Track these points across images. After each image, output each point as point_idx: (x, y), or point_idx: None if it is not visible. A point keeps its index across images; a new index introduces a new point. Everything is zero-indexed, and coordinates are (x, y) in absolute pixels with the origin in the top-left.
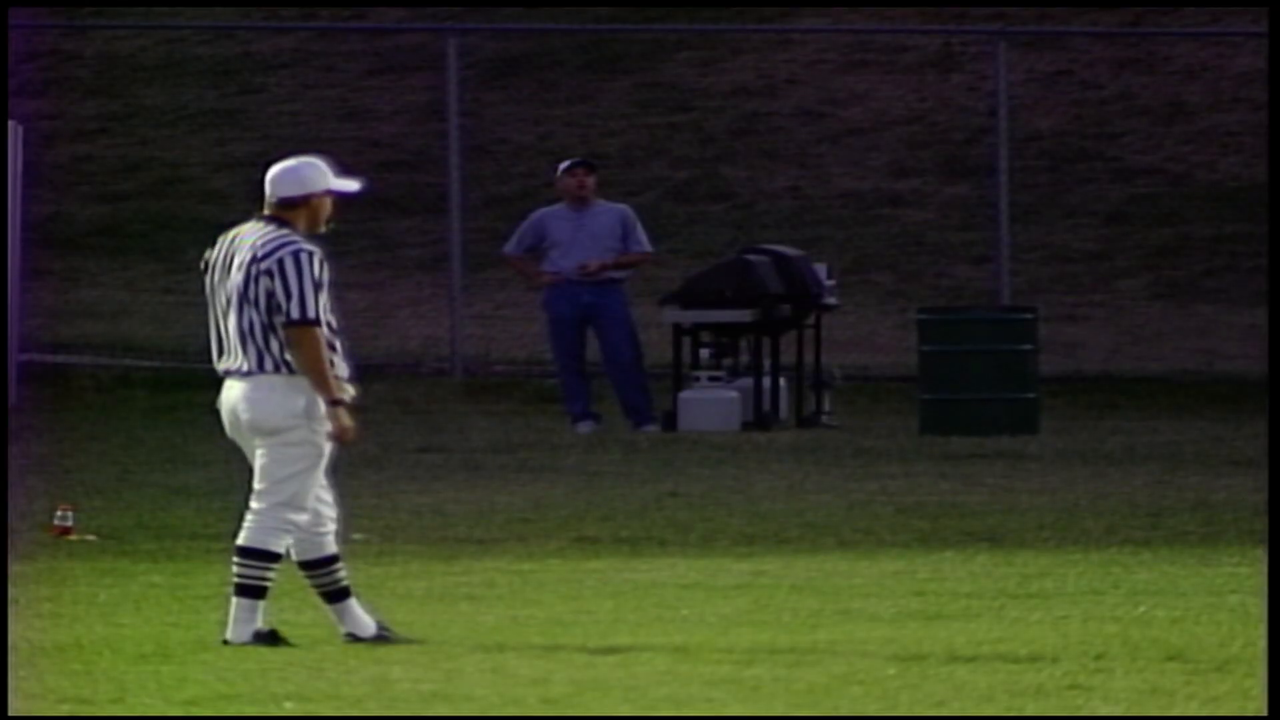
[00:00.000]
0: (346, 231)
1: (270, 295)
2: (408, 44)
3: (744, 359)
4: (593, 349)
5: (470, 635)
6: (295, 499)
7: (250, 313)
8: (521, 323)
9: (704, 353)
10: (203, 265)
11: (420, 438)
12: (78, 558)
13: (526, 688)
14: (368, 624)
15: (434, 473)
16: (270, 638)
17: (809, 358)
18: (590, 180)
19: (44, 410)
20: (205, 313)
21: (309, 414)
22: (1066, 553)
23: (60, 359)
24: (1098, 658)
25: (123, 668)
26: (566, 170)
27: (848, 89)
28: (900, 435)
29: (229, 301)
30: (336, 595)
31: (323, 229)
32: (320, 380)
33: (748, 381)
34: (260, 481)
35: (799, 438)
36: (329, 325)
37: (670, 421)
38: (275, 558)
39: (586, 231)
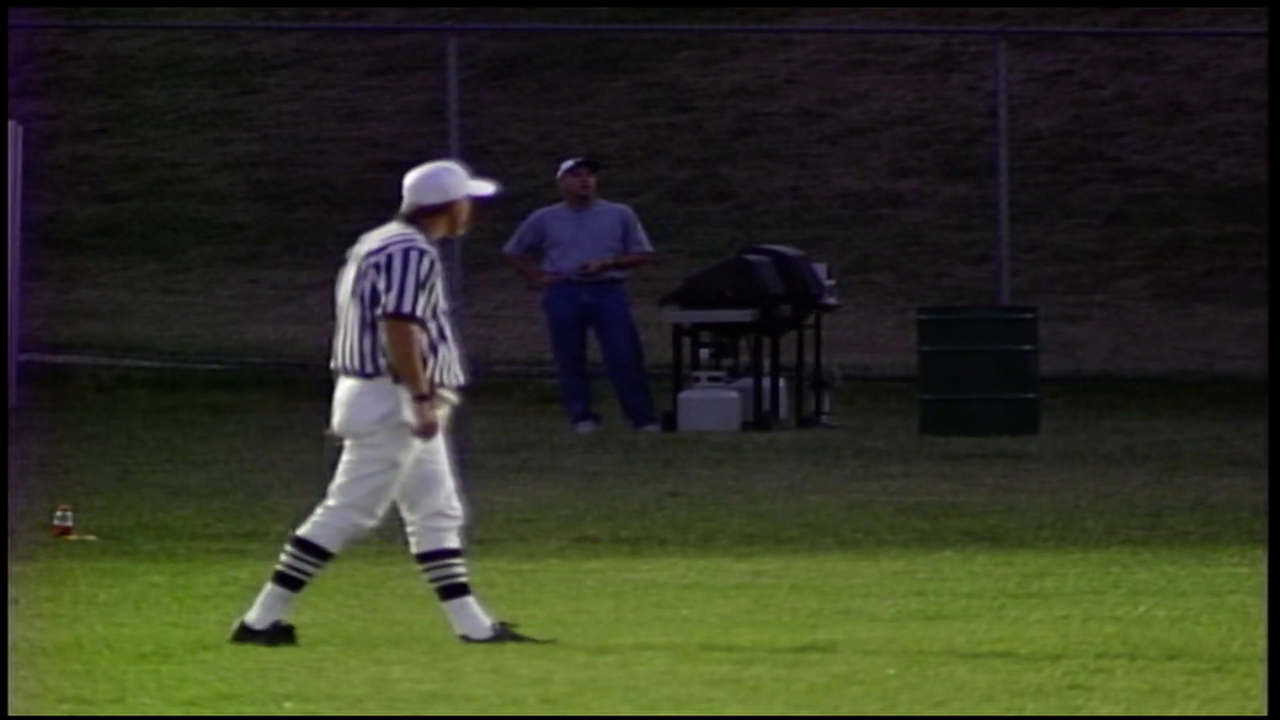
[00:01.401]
0: (346, 231)
1: (374, 289)
2: (408, 44)
3: (744, 359)
4: (593, 349)
5: None
6: (364, 502)
7: (353, 309)
8: (521, 323)
9: (704, 353)
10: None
11: None
12: (78, 558)
13: (526, 688)
14: (483, 625)
15: None
16: (284, 634)
17: (809, 358)
18: (592, 180)
19: (44, 410)
20: (205, 313)
21: (388, 421)
22: (1066, 553)
23: (60, 359)
24: (1098, 658)
25: (123, 668)
26: (569, 170)
27: (848, 89)
28: (900, 435)
29: (342, 297)
30: (450, 591)
31: (460, 232)
32: (410, 374)
33: (748, 381)
34: (339, 479)
35: (799, 438)
36: (440, 328)
37: (670, 421)
38: (326, 556)
39: (587, 231)
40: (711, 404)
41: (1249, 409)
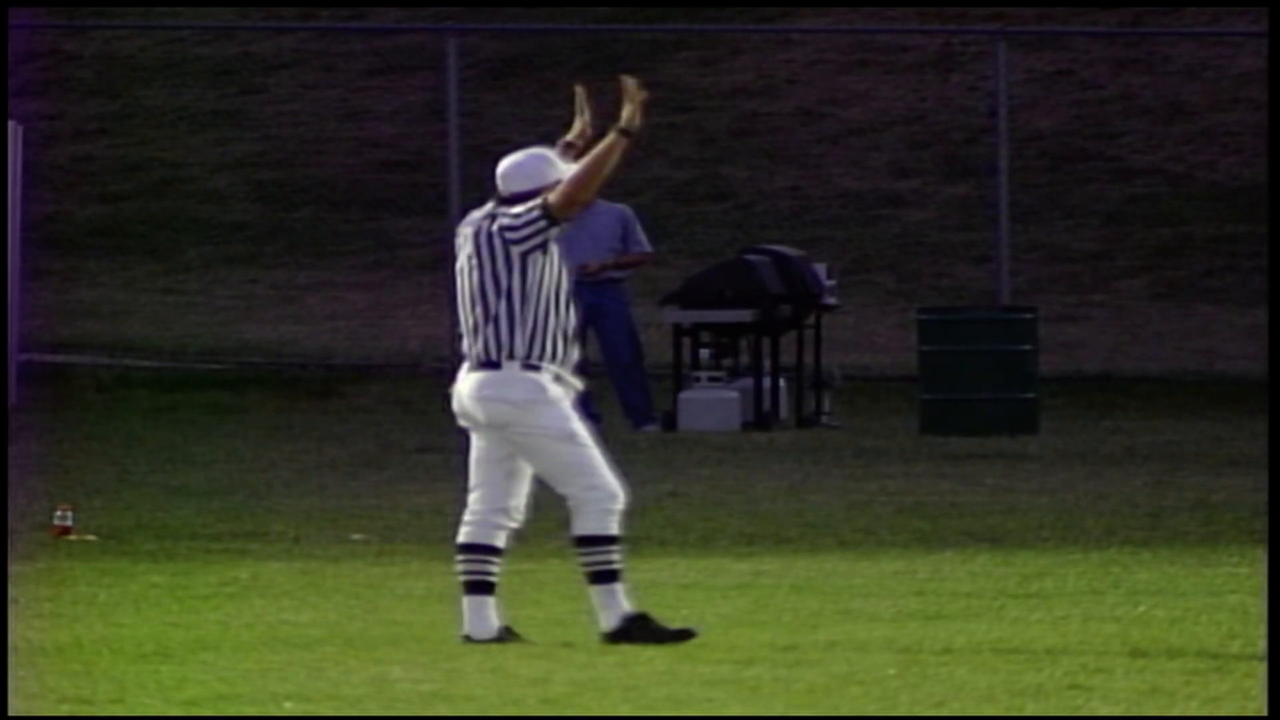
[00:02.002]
0: (346, 231)
1: (504, 233)
2: (408, 44)
3: (744, 359)
4: (593, 349)
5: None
6: (589, 479)
7: (472, 280)
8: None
9: (704, 353)
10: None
11: (420, 438)
12: (78, 558)
13: (526, 688)
14: (490, 627)
15: (434, 473)
16: (640, 623)
17: (809, 358)
18: None
19: (44, 410)
20: (205, 313)
21: (536, 402)
22: (1066, 553)
23: (60, 359)
24: (1098, 658)
25: (122, 668)
26: None
27: (848, 89)
28: (900, 435)
29: (461, 285)
30: (478, 587)
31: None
32: (595, 156)
33: (748, 381)
34: (556, 480)
35: (799, 438)
36: (569, 311)
37: (670, 421)
38: (613, 539)
39: (587, 232)
40: (711, 404)
41: (1249, 409)
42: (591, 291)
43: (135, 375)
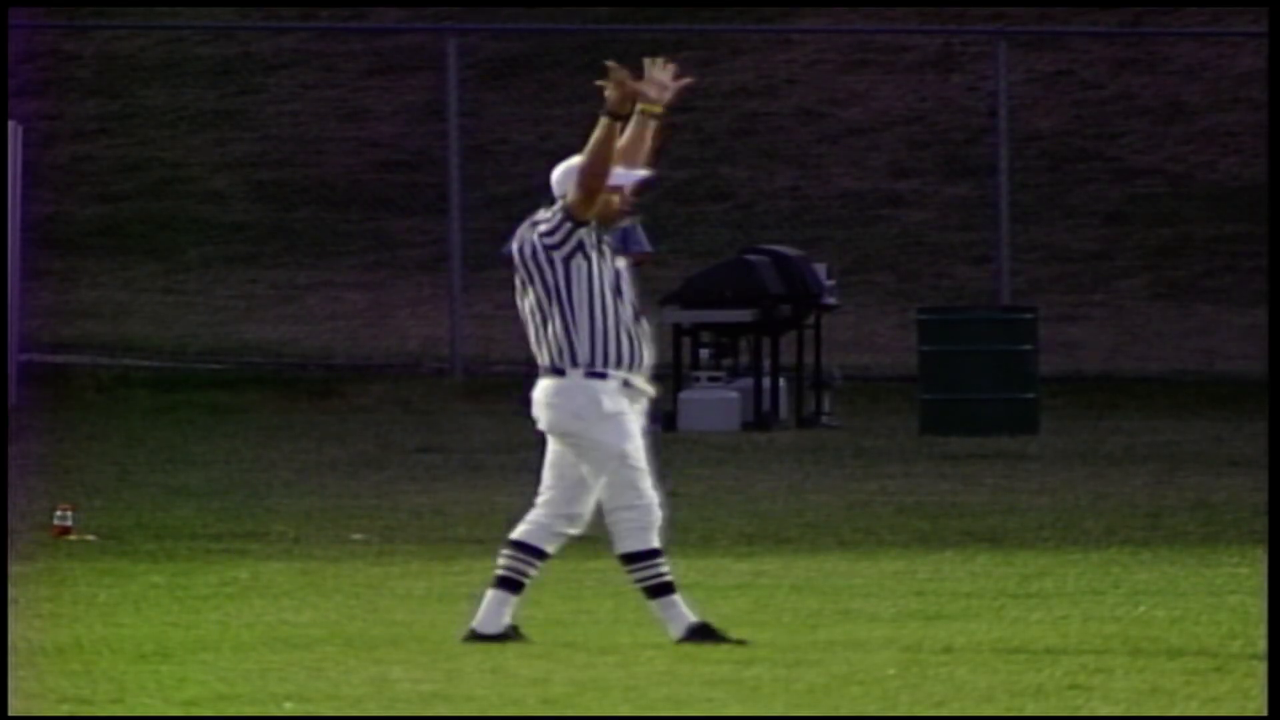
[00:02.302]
0: (346, 231)
1: (541, 236)
2: (408, 44)
3: (744, 359)
4: None
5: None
6: (634, 493)
7: (530, 294)
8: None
9: (704, 353)
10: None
11: (420, 438)
12: (78, 558)
13: (526, 688)
14: (500, 624)
15: (434, 473)
16: (704, 631)
17: (809, 358)
18: None
19: (44, 410)
20: (205, 313)
21: (583, 415)
22: (1066, 553)
23: (60, 359)
24: (1098, 658)
25: (122, 668)
26: None
27: (848, 89)
28: (900, 435)
29: (520, 292)
30: (507, 583)
31: (625, 222)
32: (596, 140)
33: (748, 381)
34: (600, 491)
35: (799, 438)
36: (635, 314)
37: (670, 421)
38: (656, 553)
39: None
40: (711, 404)
41: (1249, 409)
42: None
43: (135, 375)
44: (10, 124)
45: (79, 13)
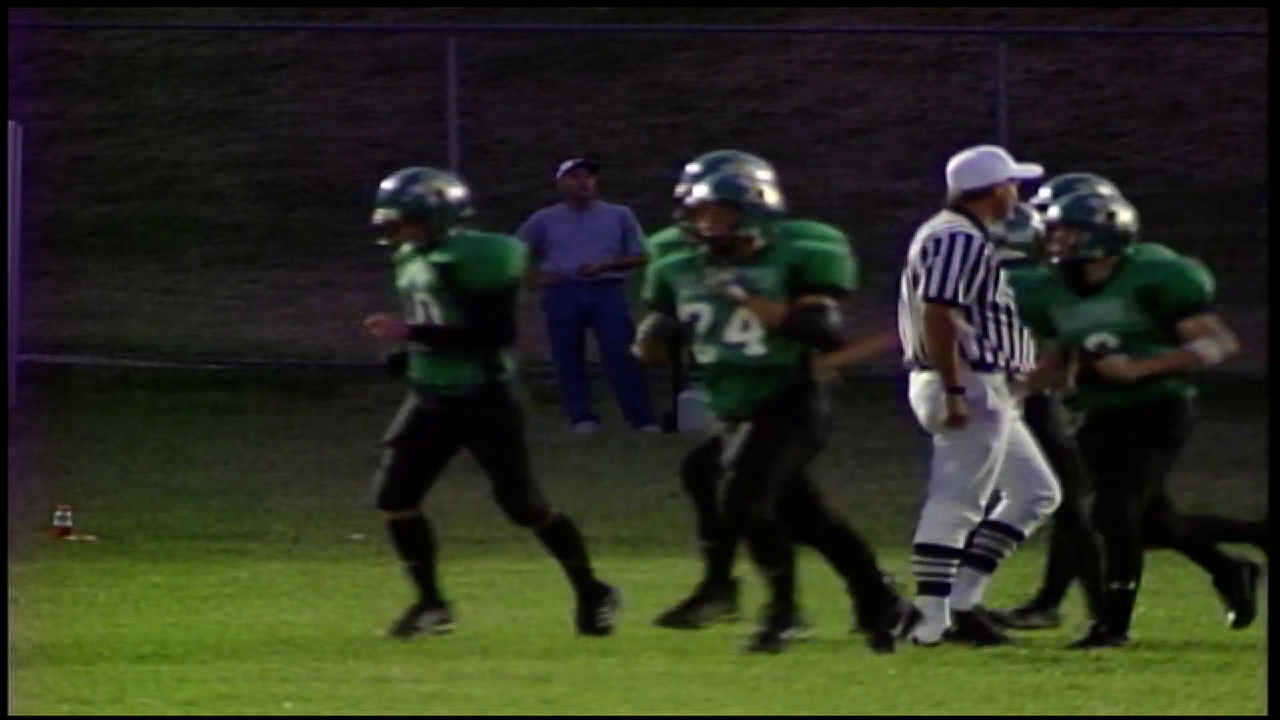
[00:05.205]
0: (346, 231)
1: (924, 274)
2: (408, 44)
3: None
4: (592, 349)
5: (470, 635)
6: (966, 494)
7: (913, 300)
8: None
9: None
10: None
11: None
12: (78, 558)
13: (526, 688)
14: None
15: None
16: (968, 621)
17: None
18: (591, 181)
19: (44, 410)
20: (205, 313)
21: (975, 409)
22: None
23: (60, 359)
24: (1098, 658)
25: (122, 668)
26: (568, 171)
27: (848, 89)
28: (900, 435)
29: (905, 291)
30: (982, 563)
31: (1009, 217)
32: (943, 364)
33: None
34: (937, 474)
35: None
36: (1009, 312)
37: (670, 422)
38: (953, 553)
39: (586, 232)
40: None
41: (1249, 409)
42: (591, 291)
43: (135, 375)
44: (10, 124)
45: (79, 13)
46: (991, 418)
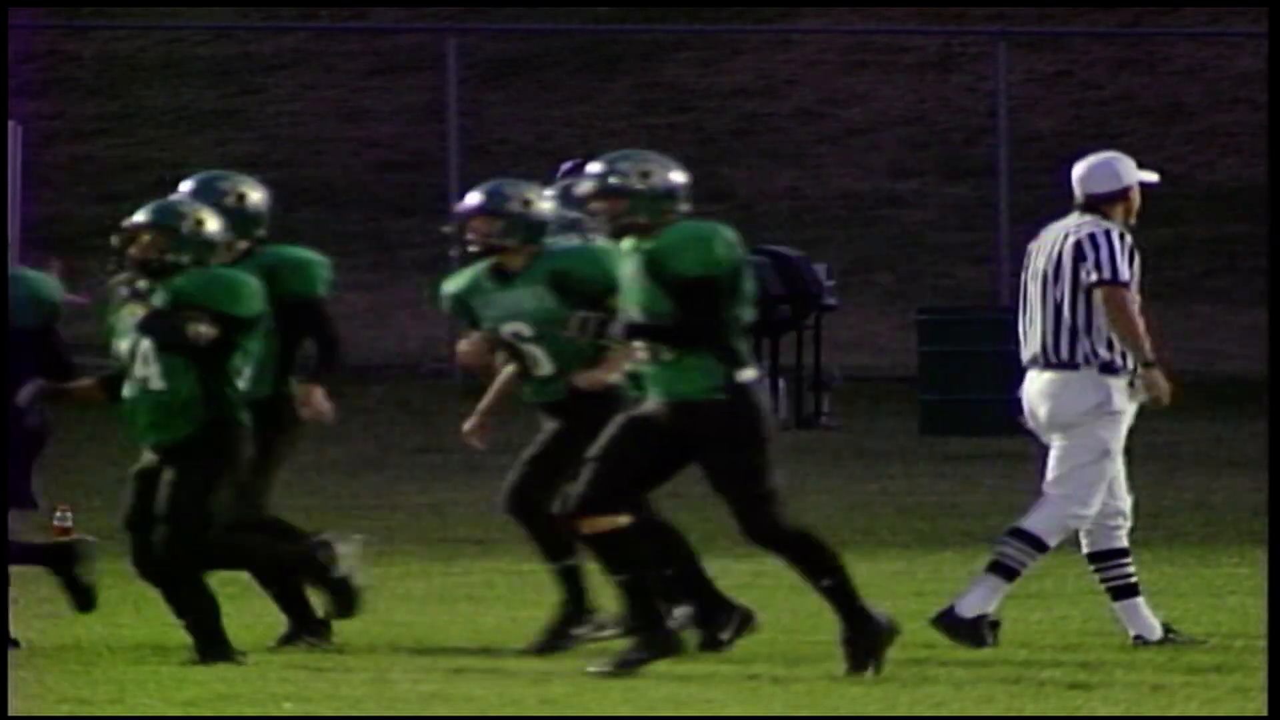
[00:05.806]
0: (346, 232)
1: (1078, 263)
2: (407, 44)
3: None
4: None
5: (470, 635)
6: (1080, 493)
7: (1053, 294)
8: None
9: None
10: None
11: (420, 438)
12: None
13: (526, 688)
14: (1153, 625)
15: (434, 473)
16: (991, 629)
17: (809, 358)
18: None
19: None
20: None
21: (1100, 410)
22: (1066, 553)
23: None
24: (1098, 658)
25: (122, 668)
26: (568, 171)
27: (848, 89)
28: (900, 435)
29: (1034, 291)
30: (1122, 592)
31: (1131, 222)
32: (1133, 340)
33: None
34: (1052, 471)
35: (798, 438)
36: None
37: None
38: (1043, 547)
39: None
40: None
41: (1249, 409)
42: None
43: None
44: (10, 124)
45: (79, 13)
46: (1115, 419)
